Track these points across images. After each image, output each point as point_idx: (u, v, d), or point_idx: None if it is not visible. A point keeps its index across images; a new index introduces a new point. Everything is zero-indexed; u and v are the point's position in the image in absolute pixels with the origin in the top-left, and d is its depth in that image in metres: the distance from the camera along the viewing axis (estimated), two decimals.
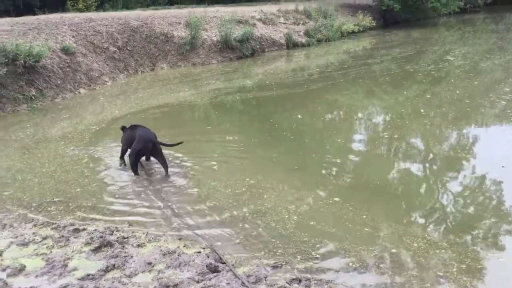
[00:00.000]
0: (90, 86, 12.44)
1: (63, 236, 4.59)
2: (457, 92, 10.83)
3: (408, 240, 4.53)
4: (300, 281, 3.82)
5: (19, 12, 20.50)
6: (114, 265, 4.02)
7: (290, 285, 3.77)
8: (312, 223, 4.88)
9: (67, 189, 5.92)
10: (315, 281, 3.83)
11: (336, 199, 5.43)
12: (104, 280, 3.79)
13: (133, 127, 6.48)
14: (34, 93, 10.65)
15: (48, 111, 10.19)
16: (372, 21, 26.39)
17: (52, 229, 4.79)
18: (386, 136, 7.88)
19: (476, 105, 9.59)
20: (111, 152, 7.26)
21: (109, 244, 4.39)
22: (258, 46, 18.28)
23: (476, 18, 33.49)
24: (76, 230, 4.73)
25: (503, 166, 6.35)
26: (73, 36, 13.57)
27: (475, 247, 4.44)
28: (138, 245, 4.42)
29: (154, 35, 15.92)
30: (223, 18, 17.91)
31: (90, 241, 4.44)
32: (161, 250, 4.30)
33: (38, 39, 12.04)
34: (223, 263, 4.08)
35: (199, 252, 4.32)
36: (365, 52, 18.78)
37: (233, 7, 24.41)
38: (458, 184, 5.92)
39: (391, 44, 20.61)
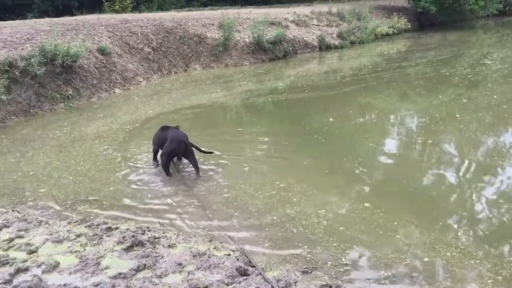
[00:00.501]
0: (124, 86, 12.70)
1: (96, 234, 4.66)
2: (495, 97, 10.50)
3: (441, 249, 4.41)
4: (331, 287, 3.78)
5: (58, 12, 21.08)
6: (145, 264, 4.06)
7: None
8: (341, 228, 4.82)
9: (101, 187, 6.05)
10: None
11: (367, 204, 5.33)
12: (135, 279, 3.83)
13: (164, 128, 6.57)
14: (71, 93, 10.96)
15: (84, 110, 10.46)
16: (407, 23, 25.97)
17: (86, 227, 4.88)
18: (420, 140, 7.72)
19: None
20: (144, 151, 7.37)
21: (141, 244, 4.44)
22: (290, 48, 18.25)
23: None
24: (109, 229, 4.80)
25: None
26: (109, 37, 13.89)
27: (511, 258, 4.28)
28: (169, 246, 4.45)
29: (188, 36, 16.11)
30: (256, 20, 17.96)
31: (122, 240, 4.50)
32: (191, 251, 4.32)
33: (76, 40, 12.37)
34: (253, 266, 4.06)
35: (229, 254, 4.32)
36: (399, 55, 18.46)
37: (266, 9, 24.43)
38: (493, 192, 5.72)
39: (427, 47, 20.17)
